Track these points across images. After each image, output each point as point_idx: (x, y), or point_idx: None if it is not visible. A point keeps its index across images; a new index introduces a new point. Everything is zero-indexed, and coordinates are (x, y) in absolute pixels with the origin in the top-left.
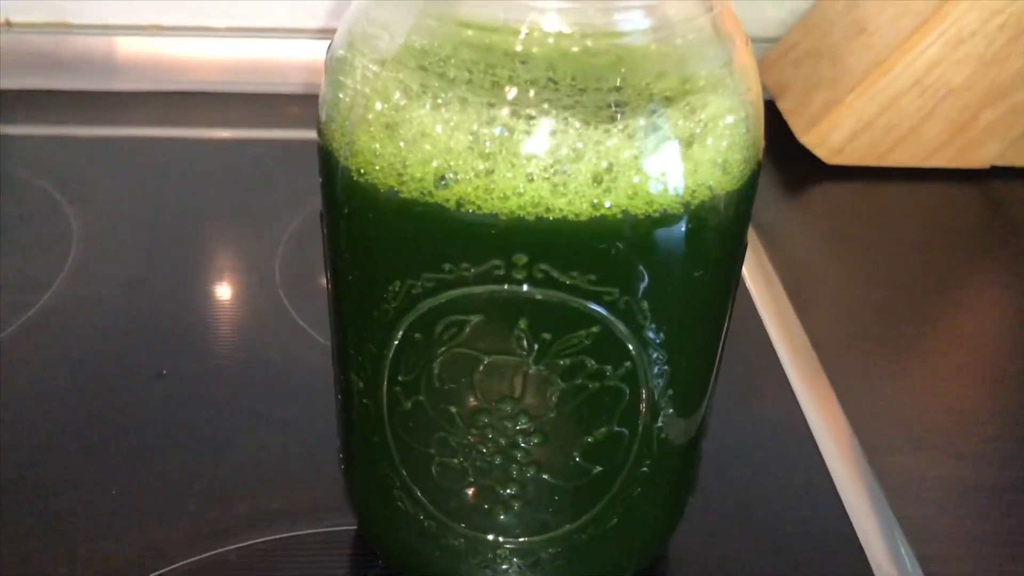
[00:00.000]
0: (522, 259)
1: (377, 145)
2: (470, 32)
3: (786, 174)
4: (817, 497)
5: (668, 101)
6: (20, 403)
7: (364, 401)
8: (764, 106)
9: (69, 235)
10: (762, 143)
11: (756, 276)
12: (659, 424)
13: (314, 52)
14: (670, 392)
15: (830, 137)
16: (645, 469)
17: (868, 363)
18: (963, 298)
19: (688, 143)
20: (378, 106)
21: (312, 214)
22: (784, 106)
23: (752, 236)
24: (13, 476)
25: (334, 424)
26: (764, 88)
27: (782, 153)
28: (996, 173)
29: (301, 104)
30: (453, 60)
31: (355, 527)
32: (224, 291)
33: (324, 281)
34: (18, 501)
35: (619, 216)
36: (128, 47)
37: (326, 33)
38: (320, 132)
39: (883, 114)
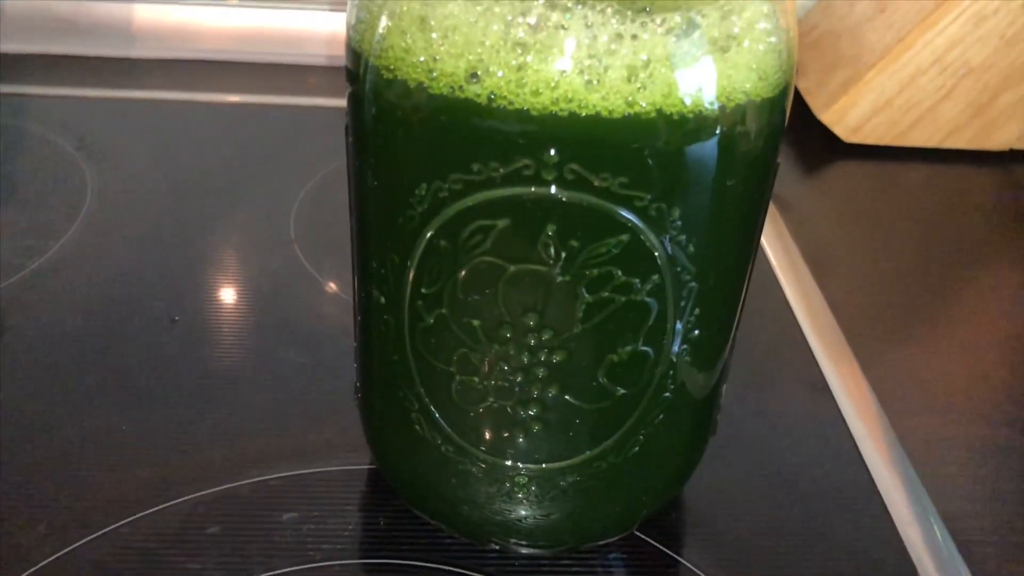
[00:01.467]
0: (553, 158)
1: (408, 40)
2: None
3: (805, 152)
4: (838, 455)
5: (705, 2)
6: (30, 344)
7: (385, 318)
8: None
9: (84, 189)
10: (796, 57)
11: (776, 248)
12: (684, 347)
13: (333, 24)
14: (697, 312)
15: (848, 115)
16: (668, 395)
17: (888, 330)
18: (979, 274)
19: (725, 45)
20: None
21: (327, 175)
22: (803, 85)
23: (772, 209)
24: (22, 411)
25: (347, 371)
26: None
27: (801, 131)
28: (1014, 157)
29: (319, 75)
30: None
31: (368, 466)
32: (237, 243)
33: (338, 233)
34: (26, 435)
35: (653, 116)
36: (145, 15)
37: (342, 5)
38: (349, 35)
39: (902, 93)
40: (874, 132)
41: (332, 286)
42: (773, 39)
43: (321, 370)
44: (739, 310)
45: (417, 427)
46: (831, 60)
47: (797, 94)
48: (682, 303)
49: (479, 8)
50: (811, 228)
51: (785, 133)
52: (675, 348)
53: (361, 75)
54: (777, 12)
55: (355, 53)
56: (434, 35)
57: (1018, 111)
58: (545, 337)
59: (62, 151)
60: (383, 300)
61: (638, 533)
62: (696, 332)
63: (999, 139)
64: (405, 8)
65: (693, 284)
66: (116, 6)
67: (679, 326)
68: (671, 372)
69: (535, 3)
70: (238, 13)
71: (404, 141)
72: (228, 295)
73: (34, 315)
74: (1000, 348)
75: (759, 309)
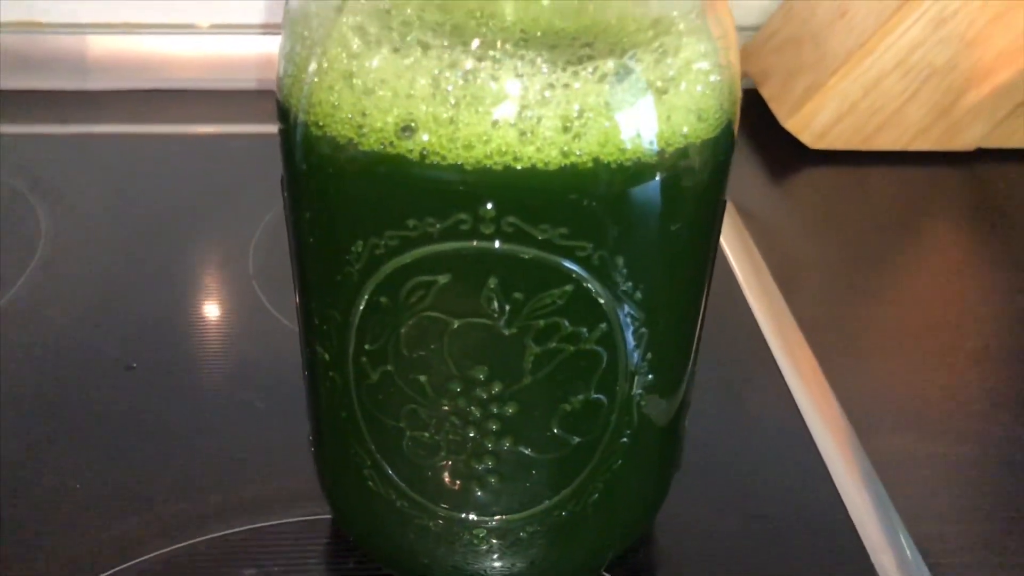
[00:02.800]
0: (490, 212)
1: (335, 96)
2: None
3: (770, 160)
4: (809, 478)
5: (640, 44)
6: None
7: (330, 375)
8: (748, 94)
9: (37, 232)
10: (739, 93)
11: (742, 261)
12: (639, 391)
13: None
14: (649, 356)
15: (813, 121)
16: (625, 440)
17: (856, 344)
18: (950, 279)
19: (661, 88)
20: (335, 54)
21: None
22: (767, 92)
23: (738, 221)
24: None
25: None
26: (747, 75)
27: (766, 139)
28: (981, 156)
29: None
30: (412, 4)
31: (330, 516)
32: (196, 283)
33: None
34: None
35: (590, 165)
36: (99, 45)
37: None
38: (278, 88)
39: (866, 97)
40: (840, 137)
41: (292, 327)
42: (713, 77)
43: (281, 415)
44: (694, 347)
45: (371, 483)
46: (794, 66)
47: (761, 101)
48: (633, 349)
49: (406, 62)
50: (778, 239)
51: (750, 142)
52: (629, 393)
53: (291, 130)
54: (717, 49)
55: (284, 108)
56: (362, 90)
57: (983, 111)
58: (495, 390)
59: (14, 192)
60: (327, 357)
61: (606, 574)
62: (650, 376)
63: (965, 139)
64: (331, 63)
65: (643, 329)
66: (67, 39)
67: (632, 372)
68: (627, 417)
69: (464, 56)
70: (195, 40)
71: (337, 198)
72: (187, 339)
73: None
74: (968, 360)
75: (724, 326)
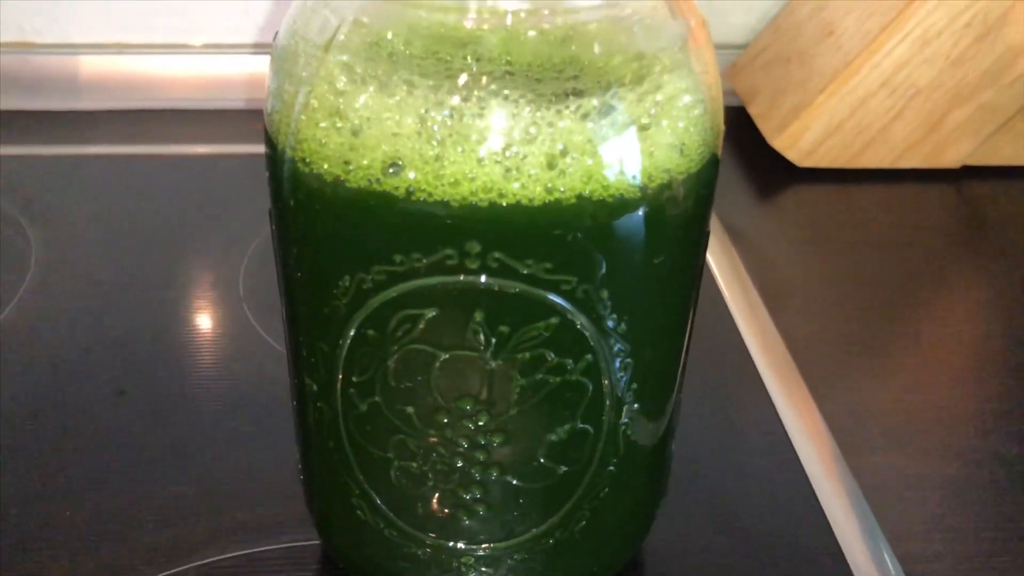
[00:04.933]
0: (475, 247)
1: (322, 133)
2: (417, 12)
3: (758, 178)
4: (795, 499)
5: (622, 82)
6: None
7: (318, 405)
8: (735, 112)
9: (28, 255)
10: (722, 125)
11: (729, 280)
12: (625, 420)
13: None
14: (634, 387)
15: (801, 140)
16: (612, 468)
17: (843, 363)
18: (937, 297)
19: (644, 125)
20: (322, 92)
21: None
22: (755, 111)
23: (725, 240)
24: None
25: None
26: (735, 93)
27: (754, 157)
28: (968, 173)
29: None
30: (399, 41)
31: (320, 542)
32: (187, 305)
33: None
34: None
35: (574, 201)
36: (91, 65)
37: None
38: (266, 124)
39: (853, 115)
40: (827, 156)
41: (283, 350)
42: (696, 112)
43: (271, 439)
44: (680, 374)
45: (359, 512)
46: (781, 84)
47: (749, 119)
48: (618, 379)
49: (393, 100)
50: (765, 257)
51: (738, 160)
52: (615, 423)
53: (279, 166)
54: (700, 84)
55: (271, 143)
56: (348, 128)
57: (968, 128)
58: (482, 421)
59: (5, 215)
60: (315, 387)
61: None
62: (636, 405)
63: (951, 156)
64: (318, 100)
65: (628, 360)
66: (59, 59)
67: (617, 402)
68: (613, 446)
69: (449, 94)
70: (187, 60)
71: (324, 233)
72: (177, 363)
73: None
74: (955, 378)
75: (711, 344)
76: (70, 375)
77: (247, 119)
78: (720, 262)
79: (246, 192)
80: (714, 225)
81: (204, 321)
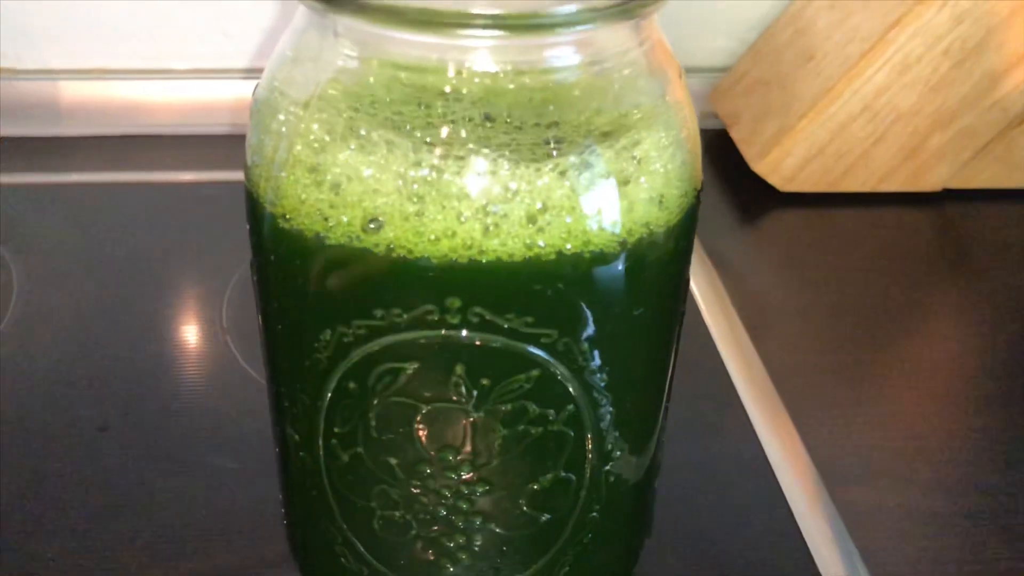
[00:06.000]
0: (456, 303)
1: (302, 189)
2: (397, 72)
3: (740, 203)
4: (778, 532)
5: (601, 137)
6: None
7: (301, 455)
8: (718, 136)
9: (9, 287)
10: (700, 176)
11: (712, 306)
12: (607, 468)
13: None
14: (616, 435)
15: (782, 165)
16: (595, 515)
17: (826, 392)
18: (919, 323)
19: (623, 180)
20: (302, 148)
21: None
22: (736, 135)
23: (707, 266)
24: None
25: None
26: (716, 117)
27: (736, 182)
28: (948, 196)
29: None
30: (379, 100)
31: None
32: (169, 339)
33: None
34: None
35: (554, 257)
36: (71, 91)
37: None
38: (246, 178)
39: (834, 140)
40: (808, 180)
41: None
42: (675, 164)
43: (255, 477)
44: (661, 419)
45: (343, 559)
46: (762, 109)
47: (731, 143)
48: (600, 428)
49: (373, 158)
50: (748, 283)
51: (720, 185)
52: (598, 470)
53: (259, 221)
54: (678, 137)
55: (252, 198)
56: (328, 185)
57: (948, 152)
58: (464, 472)
59: None
60: (297, 438)
61: None
62: (618, 452)
63: (932, 180)
64: (297, 157)
65: (610, 408)
66: (41, 84)
67: (599, 450)
68: (596, 493)
69: (429, 153)
70: (170, 85)
71: (304, 288)
72: (160, 398)
73: None
74: (937, 407)
75: (694, 374)
76: (52, 411)
77: (231, 144)
78: (702, 287)
79: (230, 220)
80: (696, 250)
81: (188, 355)
